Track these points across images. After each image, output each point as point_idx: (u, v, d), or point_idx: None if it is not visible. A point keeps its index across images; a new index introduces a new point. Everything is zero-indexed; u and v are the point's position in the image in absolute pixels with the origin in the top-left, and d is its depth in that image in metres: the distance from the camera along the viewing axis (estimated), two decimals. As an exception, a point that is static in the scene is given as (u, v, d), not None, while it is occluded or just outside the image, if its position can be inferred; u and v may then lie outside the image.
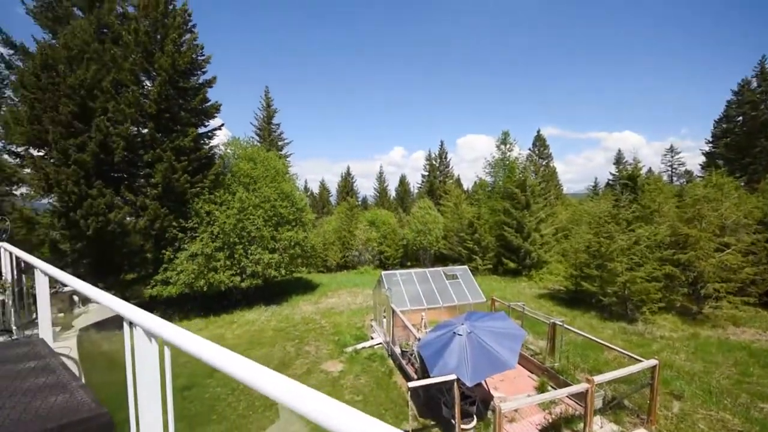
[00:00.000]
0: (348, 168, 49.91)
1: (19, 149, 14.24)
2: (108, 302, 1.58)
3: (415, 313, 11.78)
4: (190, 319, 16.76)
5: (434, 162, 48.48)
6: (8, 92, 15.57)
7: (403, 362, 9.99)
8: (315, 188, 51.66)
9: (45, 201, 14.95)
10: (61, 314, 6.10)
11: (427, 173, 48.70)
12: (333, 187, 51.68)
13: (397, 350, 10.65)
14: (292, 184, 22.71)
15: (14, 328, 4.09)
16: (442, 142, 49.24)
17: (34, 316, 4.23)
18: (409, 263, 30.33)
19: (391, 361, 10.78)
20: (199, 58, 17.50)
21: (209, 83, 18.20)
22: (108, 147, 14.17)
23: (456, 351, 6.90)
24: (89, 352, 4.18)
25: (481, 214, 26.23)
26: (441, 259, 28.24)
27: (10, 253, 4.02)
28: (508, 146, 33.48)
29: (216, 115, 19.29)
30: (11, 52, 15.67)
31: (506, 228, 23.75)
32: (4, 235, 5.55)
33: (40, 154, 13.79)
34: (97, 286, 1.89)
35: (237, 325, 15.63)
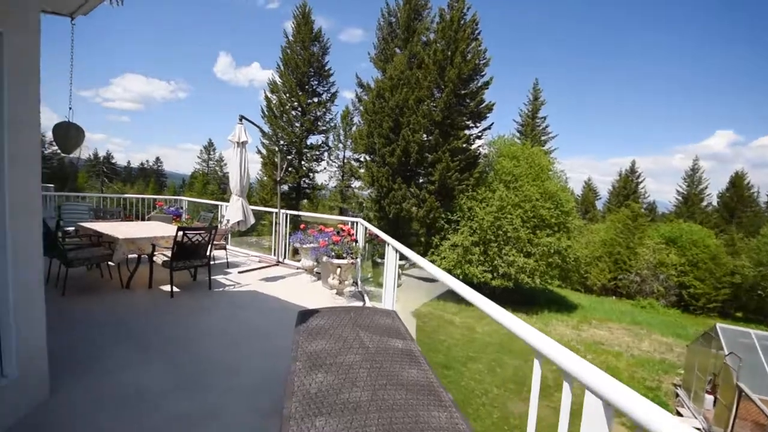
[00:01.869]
0: (633, 163, 38.83)
1: (360, 156, 21.17)
2: (449, 281, 1.78)
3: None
4: (446, 301, 18.75)
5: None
6: (356, 119, 23.35)
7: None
8: (576, 189, 44.30)
9: (366, 192, 21.43)
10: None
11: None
12: (602, 188, 42.03)
13: (751, 462, 6.52)
14: (558, 184, 20.06)
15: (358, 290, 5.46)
16: None
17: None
18: (740, 313, 19.40)
19: (729, 471, 6.79)
20: (480, 62, 18.58)
21: (486, 85, 19.02)
22: (408, 151, 18.00)
23: None
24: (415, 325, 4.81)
25: None
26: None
27: (365, 228, 5.24)
28: None
29: (488, 115, 19.96)
30: (360, 90, 23.20)
31: None
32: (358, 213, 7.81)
33: (369, 158, 19.66)
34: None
35: (486, 322, 15.73)
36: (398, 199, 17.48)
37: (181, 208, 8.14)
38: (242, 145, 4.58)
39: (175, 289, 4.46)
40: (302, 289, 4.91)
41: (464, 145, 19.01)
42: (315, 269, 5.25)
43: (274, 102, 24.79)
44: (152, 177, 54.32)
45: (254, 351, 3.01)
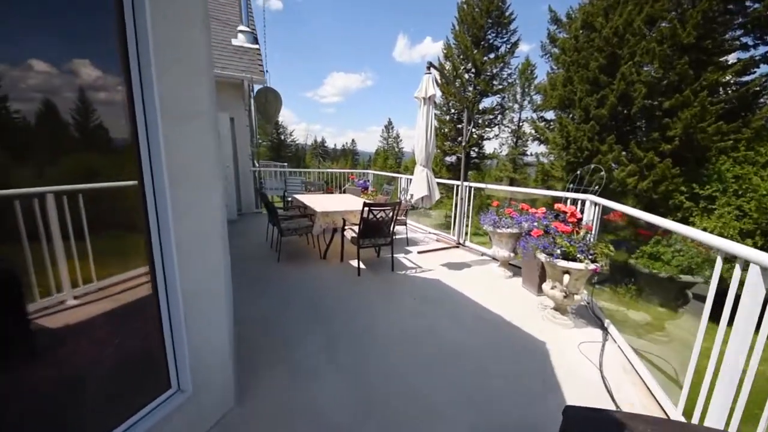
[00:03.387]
0: None
1: (545, 114, 17.27)
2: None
3: None
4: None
5: None
6: (539, 72, 18.91)
7: None
8: None
9: (548, 159, 17.44)
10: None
11: None
12: None
13: None
14: None
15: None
16: None
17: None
18: None
19: None
20: None
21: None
22: (627, 97, 13.06)
23: None
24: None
25: None
26: None
27: (599, 209, 3.44)
28: None
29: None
30: (554, 27, 18.51)
31: None
32: (597, 188, 5.78)
33: (563, 115, 15.65)
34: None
35: None
36: (607, 166, 13.15)
37: (368, 181, 8.57)
38: (429, 101, 3.74)
39: (361, 265, 4.33)
40: (497, 288, 3.81)
41: (731, 79, 11.99)
42: (510, 261, 4.02)
43: (447, 68, 23.76)
44: (349, 156, 65.91)
45: (453, 382, 2.19)
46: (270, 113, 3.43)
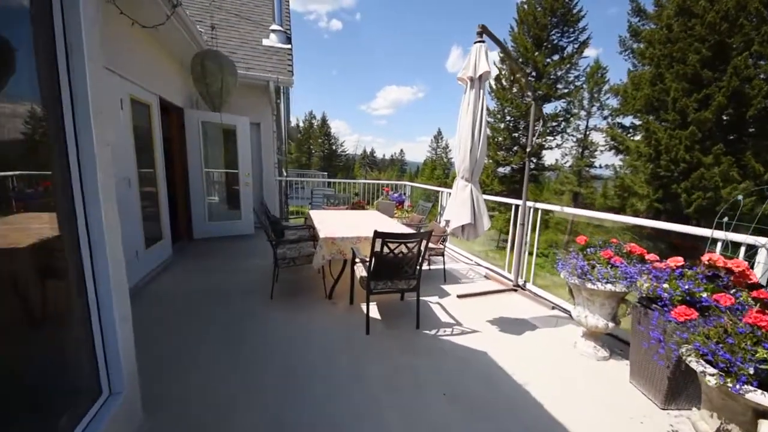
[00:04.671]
0: None
1: (623, 120, 14.57)
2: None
3: None
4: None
5: None
6: (611, 75, 16.13)
7: None
8: None
9: (623, 170, 14.57)
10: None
11: None
12: None
13: None
14: None
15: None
16: None
17: None
18: None
19: None
20: None
21: None
22: (742, 95, 10.25)
23: None
24: None
25: None
26: None
27: None
28: None
29: None
30: (636, 20, 15.86)
31: None
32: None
33: (652, 119, 12.98)
34: None
35: None
36: (712, 183, 10.35)
37: (404, 194, 7.40)
38: (480, 81, 2.46)
39: (375, 314, 3.13)
40: (583, 380, 2.36)
41: None
42: (608, 330, 2.51)
43: (503, 73, 21.98)
44: (397, 165, 65.65)
45: None
46: (213, 89, 2.37)
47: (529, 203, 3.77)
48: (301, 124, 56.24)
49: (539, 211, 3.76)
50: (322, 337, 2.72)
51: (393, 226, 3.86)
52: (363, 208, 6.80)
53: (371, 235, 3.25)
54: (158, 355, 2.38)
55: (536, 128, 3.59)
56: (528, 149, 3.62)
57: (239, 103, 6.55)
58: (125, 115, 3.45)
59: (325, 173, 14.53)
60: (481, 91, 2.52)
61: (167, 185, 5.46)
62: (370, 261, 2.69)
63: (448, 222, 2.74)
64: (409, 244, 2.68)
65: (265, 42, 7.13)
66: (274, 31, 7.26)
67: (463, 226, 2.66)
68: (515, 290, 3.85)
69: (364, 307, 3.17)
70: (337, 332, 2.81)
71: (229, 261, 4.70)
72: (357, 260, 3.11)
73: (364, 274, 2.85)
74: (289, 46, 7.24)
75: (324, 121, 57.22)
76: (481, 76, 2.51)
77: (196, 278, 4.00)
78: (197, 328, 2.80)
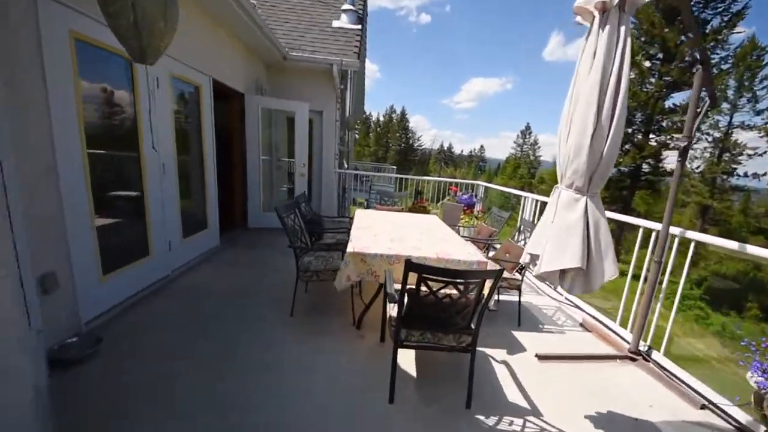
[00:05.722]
0: None
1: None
2: None
3: None
4: None
5: None
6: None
7: None
8: None
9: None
10: None
11: None
12: None
13: None
14: None
15: None
16: None
17: None
18: None
19: None
20: None
21: None
22: None
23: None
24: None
25: None
26: None
27: None
28: None
29: None
30: None
31: None
32: None
33: None
34: None
35: None
36: None
37: (476, 195, 6.20)
38: (620, 12, 1.32)
39: (407, 363, 2.25)
40: None
41: None
42: None
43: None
44: (475, 163, 61.98)
45: None
46: (122, 22, 1.67)
47: (675, 230, 2.38)
48: (381, 119, 56.95)
49: (691, 244, 2.34)
50: (330, 390, 1.97)
51: (451, 238, 2.89)
52: (425, 210, 5.87)
53: (427, 254, 2.36)
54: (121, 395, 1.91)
55: (701, 108, 2.20)
56: (683, 143, 2.23)
57: (303, 89, 6.21)
58: (162, 94, 3.18)
59: (394, 167, 13.86)
60: (623, 28, 1.38)
61: (225, 172, 5.39)
62: (401, 300, 1.81)
63: (534, 259, 1.67)
64: (461, 283, 1.71)
65: (335, 23, 6.64)
66: (345, 10, 6.72)
67: (564, 271, 1.56)
68: (633, 359, 2.52)
69: (402, 355, 2.31)
70: (351, 386, 2.02)
71: (269, 256, 4.32)
72: (388, 288, 2.25)
73: (395, 313, 1.98)
74: (358, 27, 6.62)
75: (403, 115, 56.94)
76: (620, 3, 1.37)
77: (227, 275, 3.65)
78: (190, 348, 2.31)
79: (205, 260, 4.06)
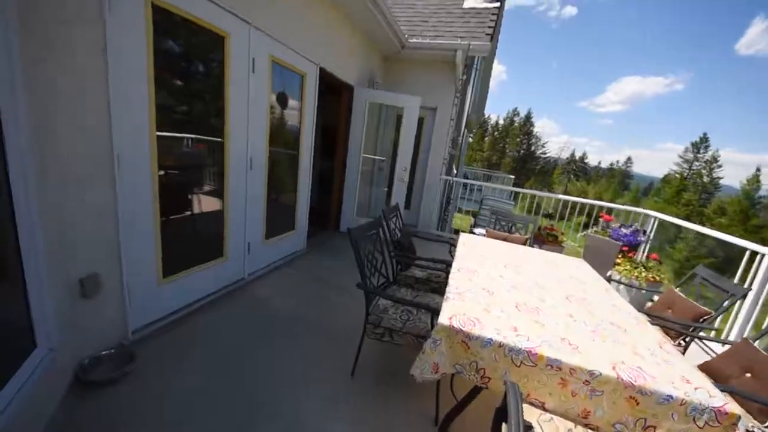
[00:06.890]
0: None
1: None
2: None
3: None
4: None
5: None
6: None
7: None
8: None
9: None
10: None
11: None
12: None
13: None
14: None
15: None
16: None
17: None
18: None
19: None
20: None
21: None
22: None
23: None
24: None
25: None
26: None
27: None
28: None
29: None
30: None
31: None
32: None
33: None
34: None
35: None
36: None
37: (641, 231, 4.24)
38: None
39: None
40: None
41: None
42: None
43: None
44: (617, 178, 51.05)
45: None
46: None
47: None
48: (501, 122, 52.52)
49: None
50: None
51: (626, 320, 1.58)
52: (557, 242, 4.35)
53: (565, 355, 1.24)
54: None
55: None
56: None
57: (417, 82, 5.44)
58: (258, 80, 2.83)
59: (512, 177, 11.93)
60: None
61: (325, 171, 5.08)
62: None
63: None
64: None
65: (467, 3, 5.63)
66: (480, -12, 5.64)
67: None
68: None
69: None
70: None
71: (350, 270, 3.69)
72: (513, 417, 1.16)
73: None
74: (495, 5, 5.44)
75: (528, 118, 51.14)
76: None
77: (295, 294, 3.12)
78: (221, 387, 1.75)
79: (286, 264, 3.71)
